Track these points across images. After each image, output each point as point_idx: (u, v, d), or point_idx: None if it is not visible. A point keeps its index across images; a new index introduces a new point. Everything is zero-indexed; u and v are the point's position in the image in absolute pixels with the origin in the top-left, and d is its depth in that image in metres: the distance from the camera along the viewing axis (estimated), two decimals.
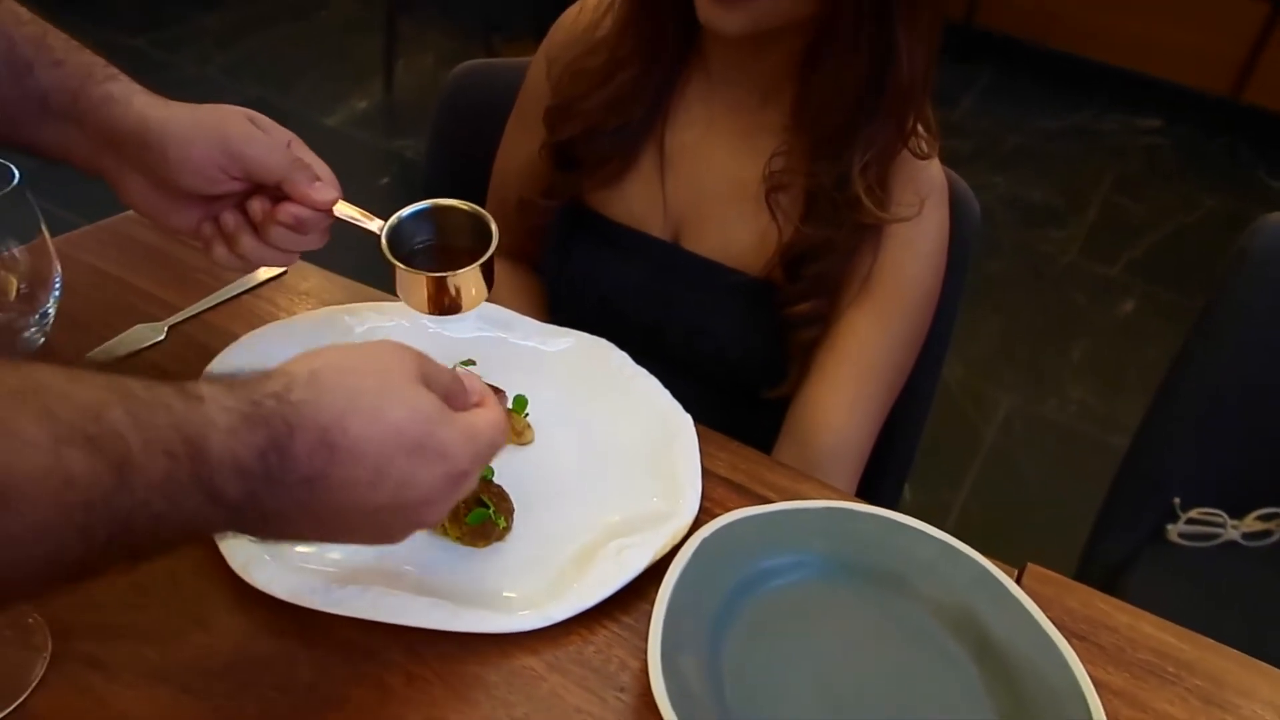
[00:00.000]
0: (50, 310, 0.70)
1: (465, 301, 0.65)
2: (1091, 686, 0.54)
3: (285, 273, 0.83)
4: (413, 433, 0.44)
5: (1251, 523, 1.15)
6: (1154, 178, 3.28)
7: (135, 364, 0.72)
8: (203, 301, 0.78)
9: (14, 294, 0.70)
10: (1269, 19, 3.40)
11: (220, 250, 0.66)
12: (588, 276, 0.91)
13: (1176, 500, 1.15)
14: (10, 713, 0.49)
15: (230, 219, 0.65)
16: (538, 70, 0.92)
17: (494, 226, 0.65)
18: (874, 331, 0.82)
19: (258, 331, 0.72)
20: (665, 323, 0.88)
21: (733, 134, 0.85)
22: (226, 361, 0.69)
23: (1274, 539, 1.15)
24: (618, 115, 0.85)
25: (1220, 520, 1.15)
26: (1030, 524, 1.88)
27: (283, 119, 0.66)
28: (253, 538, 0.44)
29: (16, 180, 0.63)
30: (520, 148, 0.95)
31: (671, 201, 0.87)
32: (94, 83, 0.63)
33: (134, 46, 3.21)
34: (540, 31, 0.94)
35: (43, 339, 0.72)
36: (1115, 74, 3.70)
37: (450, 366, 0.66)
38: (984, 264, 2.68)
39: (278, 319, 0.76)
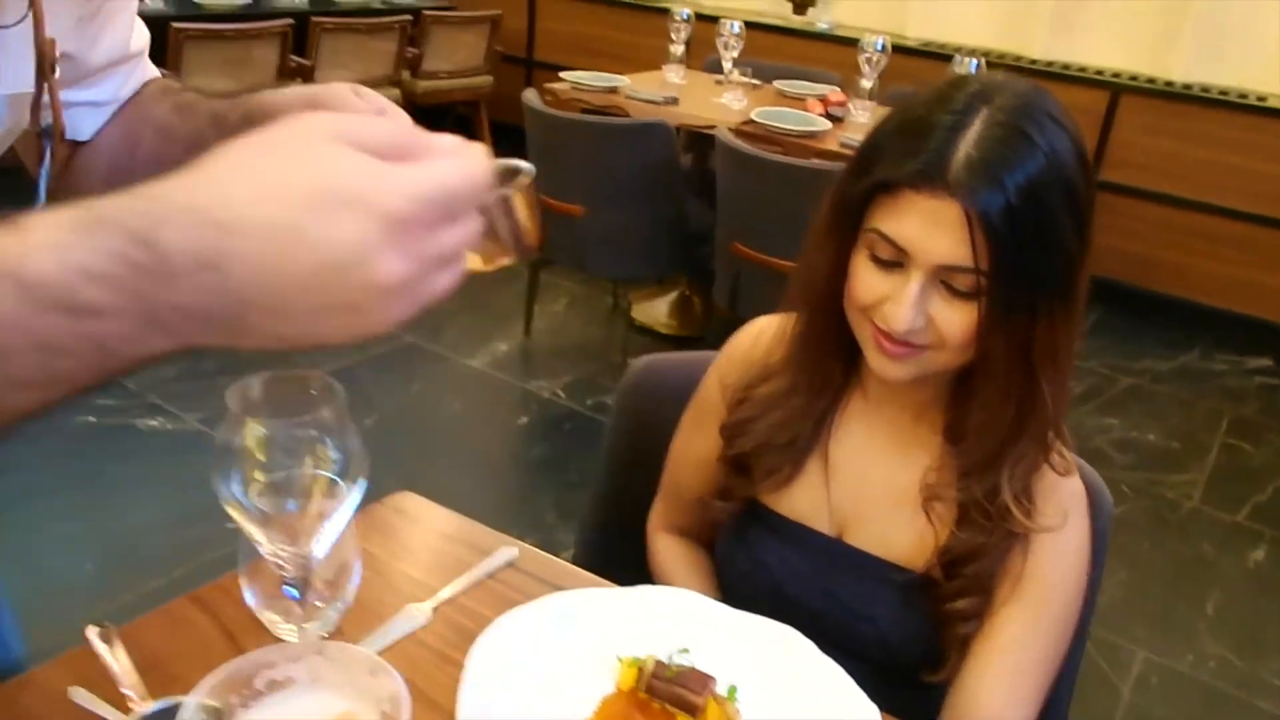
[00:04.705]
0: (351, 596, 0.86)
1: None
2: None
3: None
4: (306, 181, 0.40)
5: None
6: (1270, 418, 3.28)
7: (406, 645, 0.87)
8: (455, 583, 0.94)
9: (319, 583, 0.87)
10: None
11: None
12: (760, 565, 1.02)
13: None
14: None
15: None
16: (711, 383, 1.08)
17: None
18: (1027, 628, 0.90)
19: (510, 613, 0.88)
20: (830, 609, 0.96)
21: (889, 446, 0.98)
22: (487, 641, 0.84)
23: None
24: (787, 432, 0.98)
25: None
26: None
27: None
28: (217, 344, 0.42)
29: None
30: (693, 444, 1.10)
31: (835, 502, 0.99)
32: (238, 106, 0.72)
33: None
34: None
35: (338, 618, 0.87)
36: (1219, 315, 3.80)
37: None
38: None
39: (518, 601, 0.91)
